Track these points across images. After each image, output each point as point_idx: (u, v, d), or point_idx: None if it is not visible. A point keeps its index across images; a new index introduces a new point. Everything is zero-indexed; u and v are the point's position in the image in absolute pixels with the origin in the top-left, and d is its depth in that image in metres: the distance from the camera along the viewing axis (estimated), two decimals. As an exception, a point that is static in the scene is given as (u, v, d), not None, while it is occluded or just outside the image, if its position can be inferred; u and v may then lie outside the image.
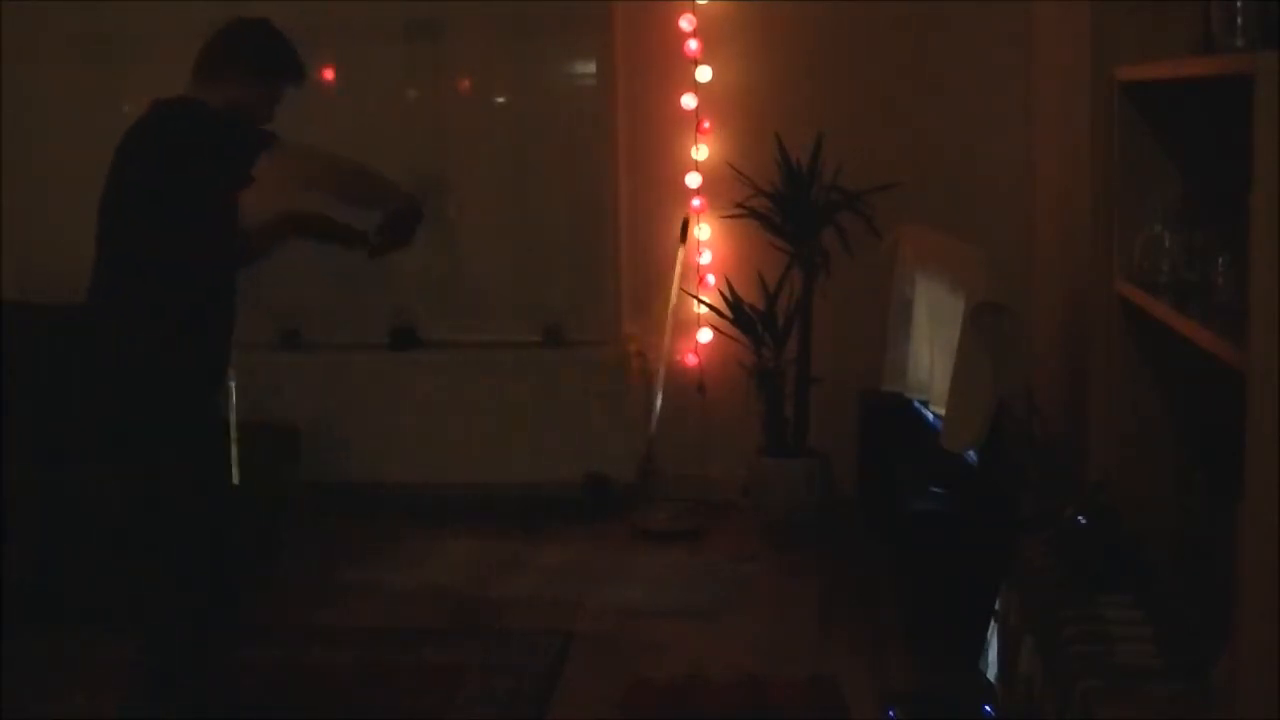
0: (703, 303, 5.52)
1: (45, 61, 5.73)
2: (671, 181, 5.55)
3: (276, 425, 5.19)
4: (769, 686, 3.92)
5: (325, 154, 3.47)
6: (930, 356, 4.22)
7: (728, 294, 5.38)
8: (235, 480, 4.02)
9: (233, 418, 4.37)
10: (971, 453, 3.90)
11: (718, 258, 5.57)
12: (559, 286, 5.72)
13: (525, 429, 5.52)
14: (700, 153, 5.50)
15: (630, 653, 4.19)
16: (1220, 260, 2.47)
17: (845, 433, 5.25)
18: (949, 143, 5.36)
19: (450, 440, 5.53)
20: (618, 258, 5.64)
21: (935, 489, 4.25)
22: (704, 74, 5.45)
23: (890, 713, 3.65)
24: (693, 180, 5.52)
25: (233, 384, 4.35)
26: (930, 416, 4.25)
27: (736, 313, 5.34)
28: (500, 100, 5.81)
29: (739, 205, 5.31)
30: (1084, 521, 2.92)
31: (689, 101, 5.48)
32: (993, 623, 3.22)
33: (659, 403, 5.55)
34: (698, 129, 5.49)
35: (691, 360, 5.62)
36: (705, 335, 5.58)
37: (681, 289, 5.56)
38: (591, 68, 5.65)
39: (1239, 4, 2.35)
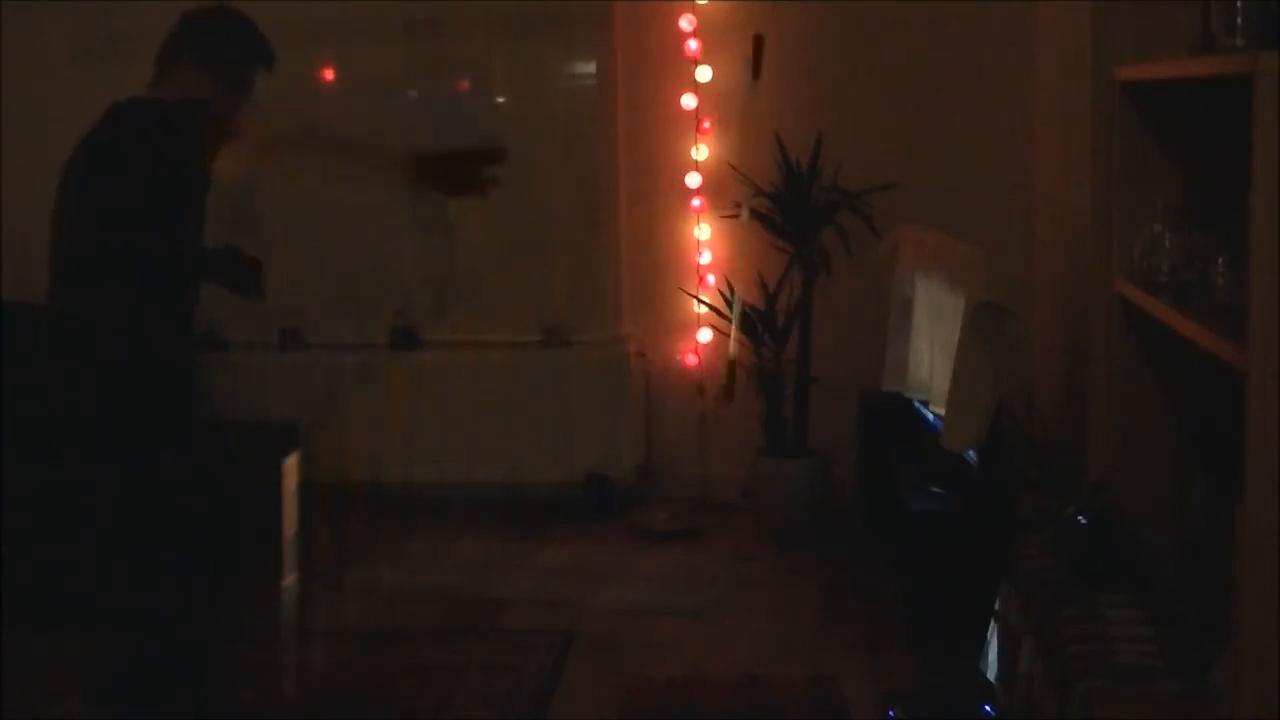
0: (703, 303, 5.52)
1: (45, 62, 5.72)
2: (671, 181, 5.55)
3: (276, 425, 5.19)
4: (769, 686, 3.92)
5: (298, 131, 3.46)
6: (930, 356, 4.22)
7: (728, 294, 5.38)
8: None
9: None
10: (971, 453, 3.90)
11: (718, 258, 5.57)
12: (559, 286, 5.72)
13: (525, 429, 5.51)
14: (700, 153, 5.50)
15: (630, 653, 4.18)
16: (1220, 260, 2.48)
17: (845, 433, 5.25)
18: (949, 143, 5.36)
19: (450, 440, 5.52)
20: (618, 258, 5.64)
21: (935, 489, 4.26)
22: (704, 74, 5.45)
23: (890, 713, 3.64)
24: (693, 180, 5.52)
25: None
26: (930, 416, 4.25)
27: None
28: (500, 100, 5.81)
29: (739, 205, 5.31)
30: (1084, 521, 2.92)
31: (689, 101, 5.47)
32: (993, 623, 3.23)
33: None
34: (698, 129, 5.49)
35: (691, 360, 5.62)
36: (705, 335, 5.58)
37: (681, 288, 5.56)
38: (591, 68, 5.65)
39: (1239, 4, 2.35)
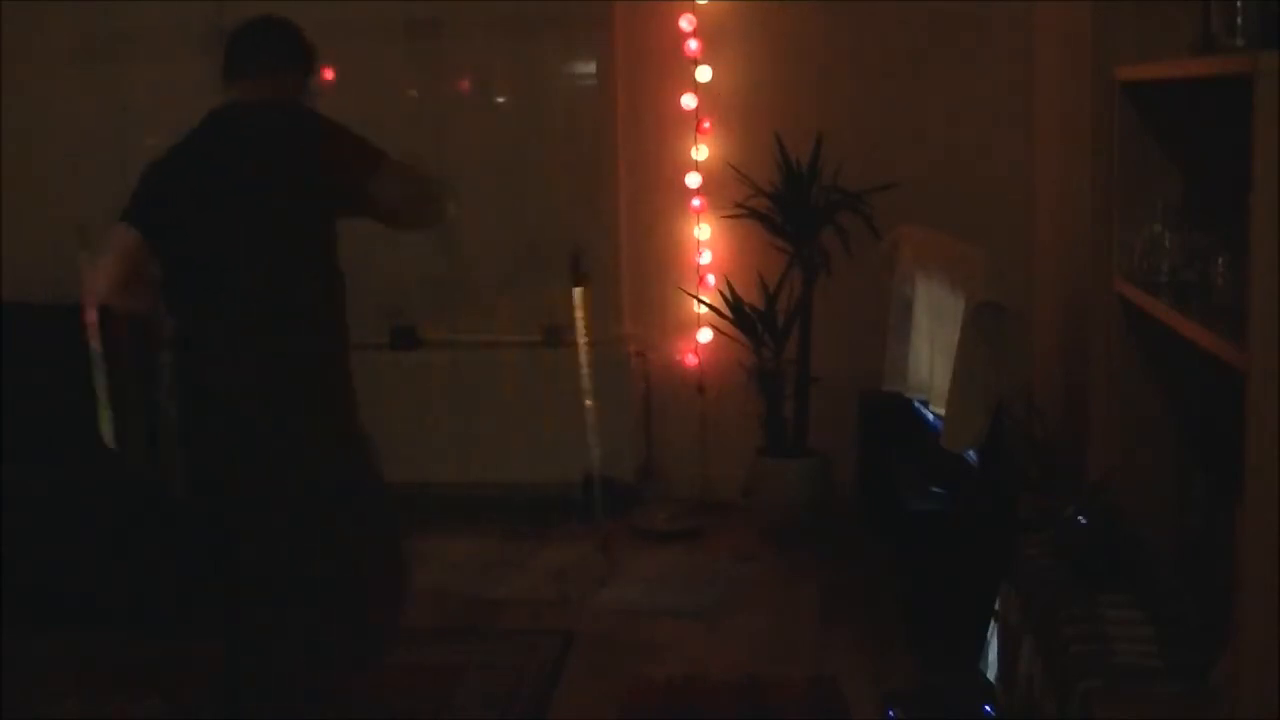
0: (703, 303, 5.52)
1: (45, 62, 5.72)
2: (671, 181, 5.55)
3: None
4: (769, 686, 3.92)
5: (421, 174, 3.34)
6: (930, 356, 4.22)
7: (728, 294, 5.38)
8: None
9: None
10: (971, 453, 3.90)
11: (718, 258, 5.57)
12: (559, 286, 5.71)
13: (525, 429, 5.51)
14: (700, 153, 5.50)
15: (630, 653, 4.18)
16: (1220, 260, 2.48)
17: (845, 433, 5.25)
18: (949, 143, 5.36)
19: (450, 440, 5.52)
20: (618, 258, 5.64)
21: (935, 489, 4.26)
22: (704, 74, 5.45)
23: (890, 713, 3.64)
24: (693, 180, 5.52)
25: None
26: (930, 416, 4.25)
27: (736, 313, 5.34)
28: (500, 100, 5.81)
29: (739, 205, 5.31)
30: (1084, 521, 2.93)
31: (689, 101, 5.47)
32: (993, 623, 3.23)
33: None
34: (698, 129, 5.49)
35: (691, 360, 5.62)
36: (705, 335, 5.58)
37: (681, 288, 5.56)
38: (591, 68, 5.65)
39: (1239, 4, 2.35)
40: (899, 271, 4.52)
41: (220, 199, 3.17)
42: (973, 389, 3.71)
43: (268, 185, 3.14)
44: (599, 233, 5.63)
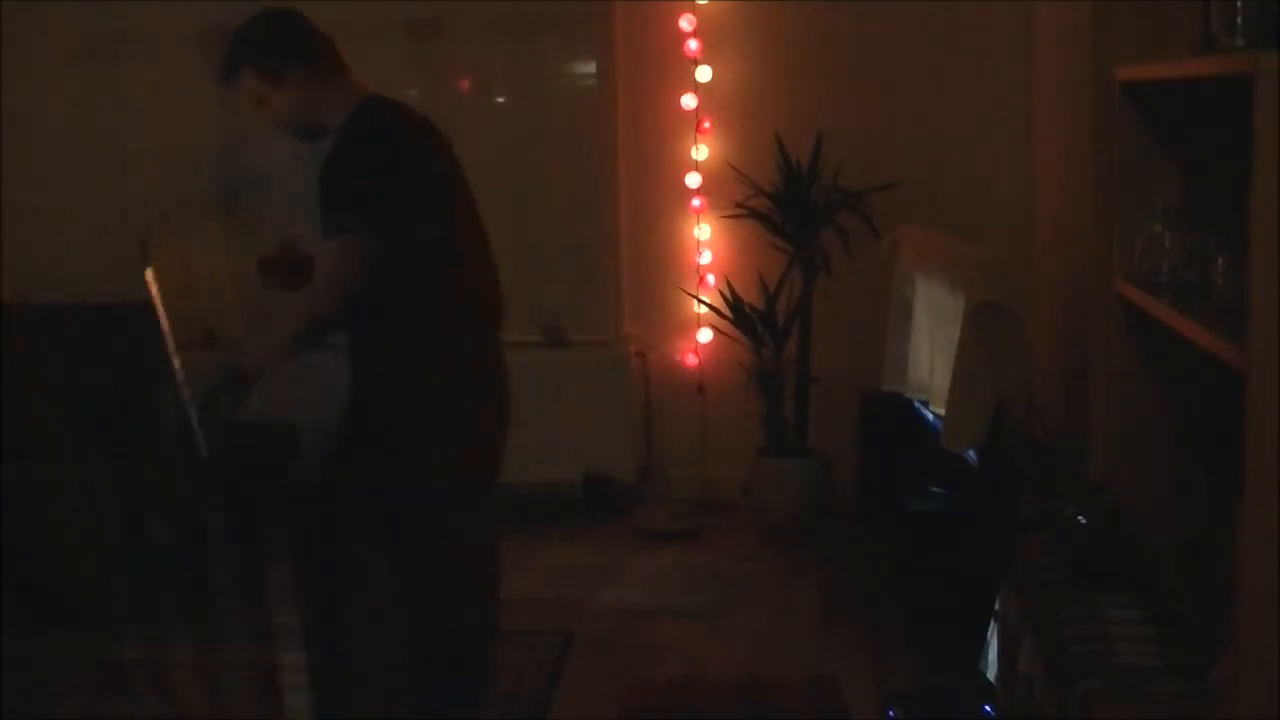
0: (703, 303, 5.52)
1: (46, 62, 5.72)
2: (671, 181, 5.55)
3: (276, 425, 5.19)
4: (769, 686, 3.92)
5: None
6: (930, 356, 4.22)
7: (728, 294, 5.38)
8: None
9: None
10: (971, 453, 3.90)
11: (718, 258, 5.57)
12: (559, 286, 5.71)
13: (525, 429, 5.49)
14: (700, 153, 5.50)
15: (630, 653, 4.19)
16: (1220, 260, 2.47)
17: (845, 433, 5.25)
18: (949, 143, 5.36)
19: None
20: (618, 258, 5.64)
21: (935, 489, 4.25)
22: (704, 74, 5.45)
23: (890, 713, 3.64)
24: (693, 180, 5.52)
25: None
26: (930, 416, 4.25)
27: (736, 313, 5.34)
28: (500, 100, 5.81)
29: (739, 205, 5.31)
30: (1084, 521, 2.92)
31: (689, 101, 5.47)
32: (993, 623, 3.23)
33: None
34: (698, 129, 5.49)
35: (691, 360, 5.62)
36: (705, 335, 5.58)
37: (681, 288, 5.56)
38: (591, 68, 5.65)
39: (1239, 4, 2.35)
40: (899, 271, 4.52)
41: (467, 196, 3.24)
42: (973, 389, 3.71)
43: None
44: (599, 233, 5.63)
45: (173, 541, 4.50)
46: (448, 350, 3.17)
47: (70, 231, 5.71)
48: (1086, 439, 3.44)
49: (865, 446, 5.13)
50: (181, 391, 3.51)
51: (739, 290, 5.36)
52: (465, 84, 5.79)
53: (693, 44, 5.44)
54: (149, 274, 3.45)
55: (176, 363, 3.50)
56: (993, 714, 3.24)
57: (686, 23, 5.44)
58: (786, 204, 5.23)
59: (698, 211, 5.55)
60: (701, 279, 5.58)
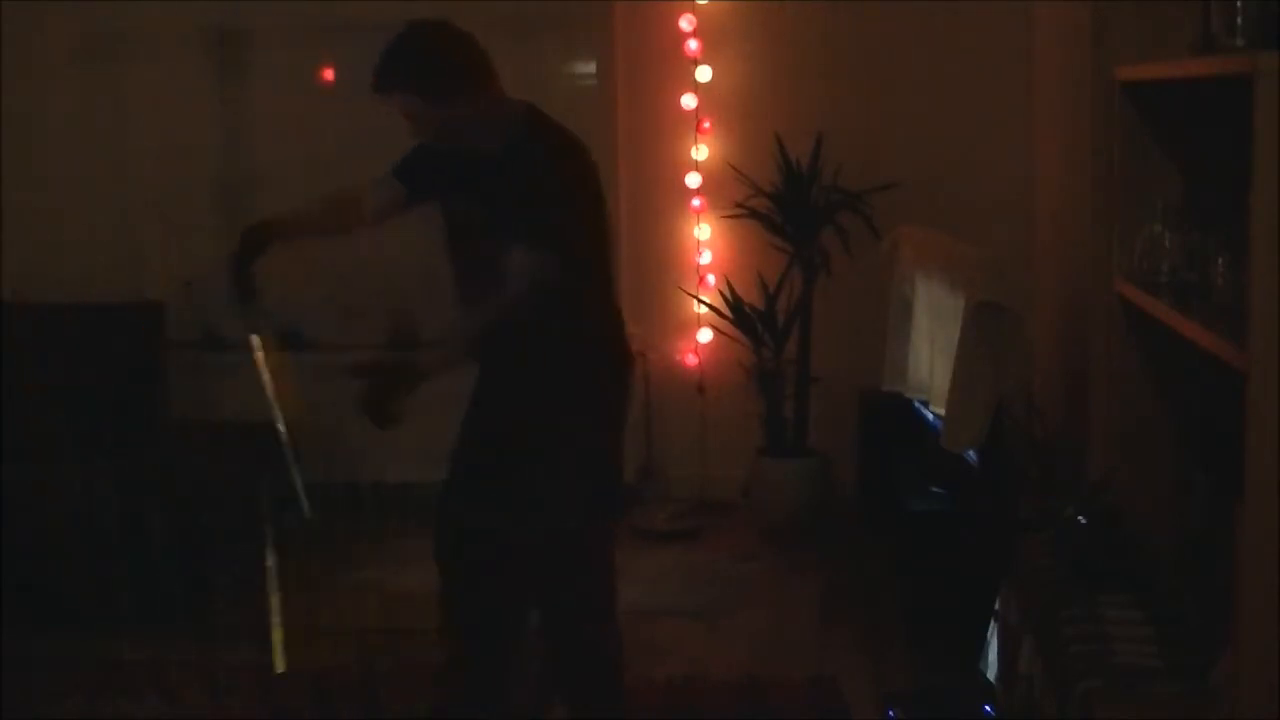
0: (703, 303, 5.52)
1: (46, 62, 5.72)
2: (671, 181, 5.55)
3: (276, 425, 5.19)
4: (769, 686, 3.92)
5: None
6: (930, 356, 4.22)
7: (728, 294, 5.38)
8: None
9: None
10: (971, 453, 3.90)
11: (718, 258, 5.57)
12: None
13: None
14: (700, 153, 5.50)
15: (630, 653, 4.18)
16: (1220, 260, 2.47)
17: (845, 433, 5.25)
18: (949, 143, 5.36)
19: (450, 440, 5.50)
20: (618, 258, 5.63)
21: (935, 489, 4.25)
22: (704, 74, 5.45)
23: (890, 713, 3.64)
24: (693, 180, 5.52)
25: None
26: (930, 416, 4.25)
27: (736, 313, 5.34)
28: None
29: (739, 205, 5.31)
30: (1084, 521, 2.93)
31: (689, 101, 5.47)
32: (993, 623, 3.23)
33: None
34: (698, 129, 5.49)
35: (691, 360, 5.62)
36: (705, 335, 5.58)
37: (681, 288, 5.56)
38: (591, 68, 5.65)
39: (1239, 4, 2.35)
40: (899, 271, 4.52)
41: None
42: (973, 389, 3.71)
43: None
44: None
45: (173, 541, 4.51)
46: (605, 354, 3.23)
47: (70, 231, 5.71)
48: (1086, 439, 3.44)
49: (865, 446, 5.13)
50: (287, 455, 3.54)
51: (739, 290, 5.36)
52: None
53: (693, 44, 5.44)
54: (259, 358, 3.48)
55: (282, 427, 3.53)
56: (993, 714, 3.24)
57: (686, 23, 5.44)
58: (786, 204, 5.23)
59: (698, 211, 5.55)
60: (701, 279, 5.58)
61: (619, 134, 5.59)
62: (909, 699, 3.71)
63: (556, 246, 2.99)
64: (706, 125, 5.49)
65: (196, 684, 4.00)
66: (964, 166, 5.34)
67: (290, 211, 3.34)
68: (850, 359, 5.15)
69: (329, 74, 5.69)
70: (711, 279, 5.56)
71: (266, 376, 3.41)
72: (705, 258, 5.57)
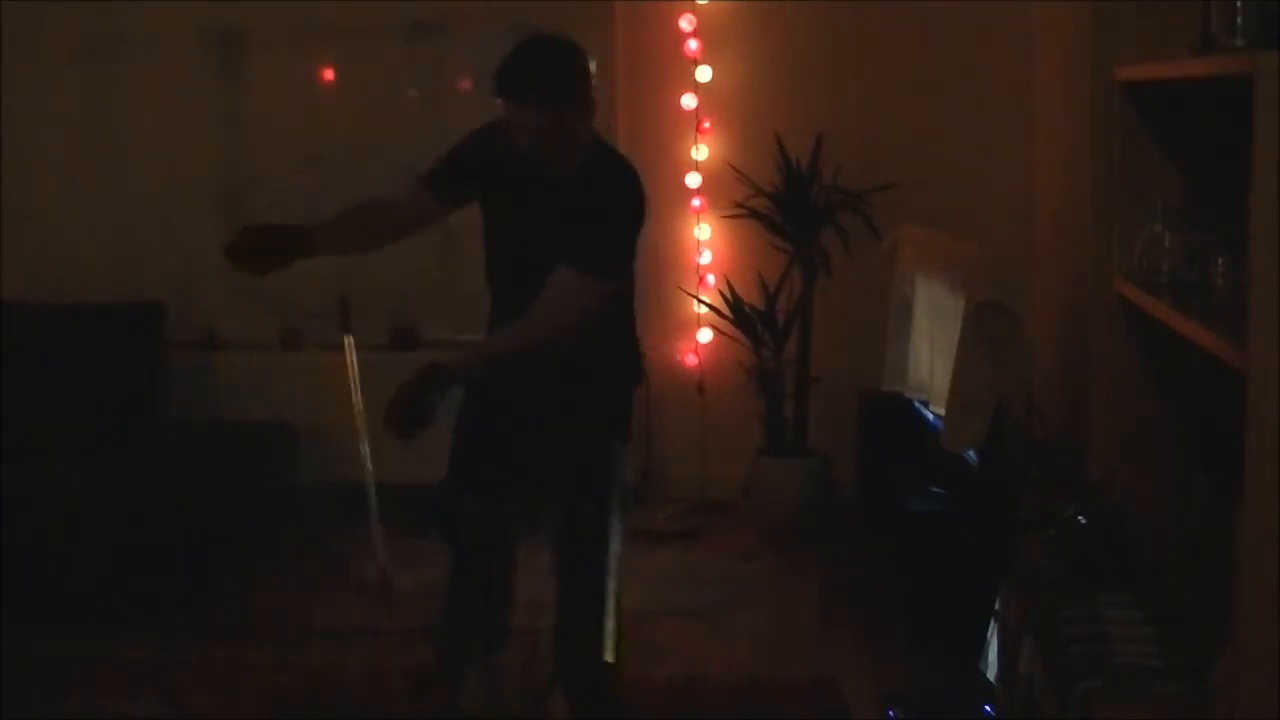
0: (703, 303, 5.52)
1: (46, 62, 5.72)
2: (671, 181, 5.55)
3: (276, 425, 5.20)
4: (769, 686, 3.92)
5: None
6: (930, 356, 4.22)
7: (728, 294, 5.38)
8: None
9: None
10: (971, 453, 3.90)
11: (718, 258, 5.56)
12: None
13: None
14: (700, 153, 5.50)
15: (630, 653, 4.18)
16: (1220, 260, 2.48)
17: (845, 433, 5.25)
18: (949, 143, 5.35)
19: (450, 440, 5.50)
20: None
21: (935, 489, 4.25)
22: (704, 74, 5.45)
23: (890, 713, 3.64)
24: (693, 180, 5.52)
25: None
26: (930, 416, 4.25)
27: (736, 313, 5.34)
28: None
29: (739, 205, 5.31)
30: (1084, 521, 2.93)
31: (689, 101, 5.47)
32: (993, 623, 3.23)
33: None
34: (698, 129, 5.49)
35: (691, 360, 5.62)
36: (705, 335, 5.58)
37: (681, 288, 5.56)
38: (591, 68, 5.63)
39: (1239, 4, 2.35)
40: (899, 271, 4.52)
41: None
42: (973, 389, 3.71)
43: None
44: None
45: (173, 541, 4.51)
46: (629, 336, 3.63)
47: (70, 231, 5.71)
48: (1086, 439, 3.44)
49: (865, 446, 5.13)
50: (374, 517, 3.58)
51: (739, 290, 5.36)
52: (465, 84, 5.79)
53: (693, 44, 5.44)
54: (349, 340, 3.61)
55: (373, 491, 3.59)
56: (993, 714, 3.24)
57: (686, 23, 5.44)
58: (786, 204, 5.23)
59: (698, 211, 5.55)
60: (701, 279, 5.57)
61: (619, 134, 5.59)
62: (909, 699, 3.71)
63: (612, 276, 3.21)
64: (706, 125, 5.49)
65: (196, 684, 3.99)
66: (964, 166, 5.34)
67: (319, 227, 3.36)
68: (850, 359, 5.15)
69: (329, 74, 5.69)
70: (711, 279, 5.56)
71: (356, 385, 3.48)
72: (705, 258, 5.57)
